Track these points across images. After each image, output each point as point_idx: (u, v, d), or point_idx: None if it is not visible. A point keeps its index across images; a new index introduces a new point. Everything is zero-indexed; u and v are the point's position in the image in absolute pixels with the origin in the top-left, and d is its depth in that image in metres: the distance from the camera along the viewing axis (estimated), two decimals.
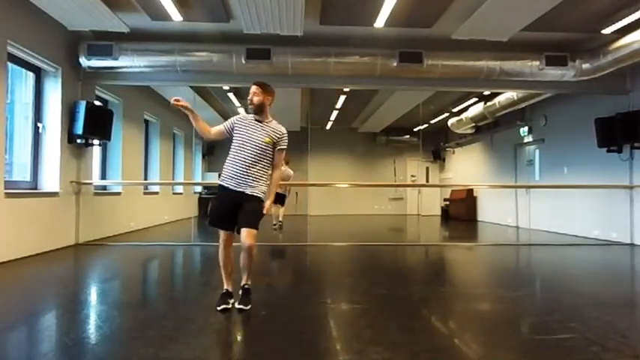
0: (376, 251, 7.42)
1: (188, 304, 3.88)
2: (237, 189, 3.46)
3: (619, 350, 2.75)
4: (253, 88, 3.59)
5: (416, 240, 8.83)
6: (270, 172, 3.61)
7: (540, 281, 5.32)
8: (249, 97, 3.58)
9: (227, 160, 3.56)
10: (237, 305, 3.43)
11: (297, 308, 3.68)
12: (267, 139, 3.51)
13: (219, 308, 3.42)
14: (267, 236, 8.78)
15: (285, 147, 3.60)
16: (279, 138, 3.57)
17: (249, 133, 3.52)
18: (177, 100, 3.45)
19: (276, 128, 3.59)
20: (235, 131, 3.57)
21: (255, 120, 3.58)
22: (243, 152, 3.49)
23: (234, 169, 3.48)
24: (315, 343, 2.86)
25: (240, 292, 3.53)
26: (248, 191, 3.46)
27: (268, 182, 3.61)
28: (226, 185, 3.50)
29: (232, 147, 3.56)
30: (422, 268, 6.50)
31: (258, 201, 3.50)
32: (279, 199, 9.88)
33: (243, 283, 3.56)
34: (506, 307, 3.87)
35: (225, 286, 3.58)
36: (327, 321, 3.42)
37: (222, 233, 3.55)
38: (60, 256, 6.19)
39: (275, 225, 9.87)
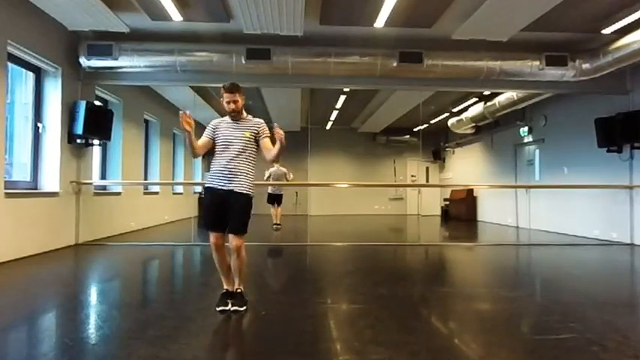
0: (376, 251, 7.41)
1: (188, 304, 3.87)
2: (224, 187, 3.48)
3: (619, 350, 2.75)
4: (230, 97, 3.52)
5: (416, 240, 8.82)
6: (254, 166, 3.60)
7: (540, 281, 5.32)
8: (228, 106, 3.53)
9: (212, 163, 3.61)
10: (231, 307, 3.44)
11: (297, 308, 3.68)
12: (247, 134, 3.55)
13: (218, 309, 3.43)
14: (267, 236, 8.79)
15: (268, 134, 3.62)
16: (258, 129, 3.61)
17: (228, 132, 3.57)
18: (188, 116, 3.40)
19: (253, 122, 3.64)
20: (216, 135, 3.61)
21: (233, 120, 3.62)
22: (226, 151, 3.53)
23: (219, 168, 3.52)
24: (315, 343, 2.86)
25: (234, 294, 3.55)
26: (235, 188, 3.48)
27: (254, 179, 3.61)
28: (213, 185, 3.53)
29: (216, 150, 3.60)
30: (422, 268, 6.50)
31: (246, 198, 3.51)
32: (276, 199, 10.04)
33: (236, 287, 3.57)
34: (506, 307, 3.87)
35: (225, 286, 3.60)
36: (327, 321, 3.42)
37: (211, 235, 3.54)
38: (60, 256, 6.19)
39: (275, 225, 9.95)
